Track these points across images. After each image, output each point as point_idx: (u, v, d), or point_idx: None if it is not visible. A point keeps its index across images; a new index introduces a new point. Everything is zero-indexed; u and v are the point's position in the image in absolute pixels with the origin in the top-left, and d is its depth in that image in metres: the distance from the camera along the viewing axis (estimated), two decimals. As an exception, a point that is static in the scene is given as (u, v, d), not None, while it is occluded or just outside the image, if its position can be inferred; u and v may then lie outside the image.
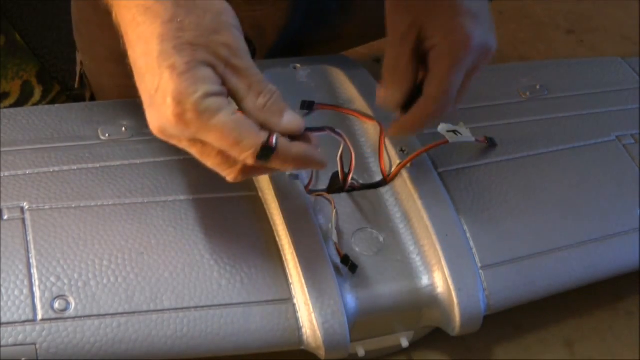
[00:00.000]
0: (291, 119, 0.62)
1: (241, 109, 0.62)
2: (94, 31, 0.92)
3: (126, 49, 0.62)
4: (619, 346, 0.80)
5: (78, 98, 1.20)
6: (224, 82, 0.61)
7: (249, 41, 1.02)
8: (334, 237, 0.73)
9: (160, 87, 0.59)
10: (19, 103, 1.19)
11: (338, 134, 0.70)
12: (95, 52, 0.94)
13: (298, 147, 0.63)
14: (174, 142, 0.62)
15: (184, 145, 0.62)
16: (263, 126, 0.62)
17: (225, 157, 0.62)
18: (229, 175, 0.63)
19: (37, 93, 1.20)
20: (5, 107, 1.14)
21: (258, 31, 0.97)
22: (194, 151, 0.62)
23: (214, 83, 0.59)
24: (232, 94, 0.61)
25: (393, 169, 0.78)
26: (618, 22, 1.09)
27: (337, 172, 0.78)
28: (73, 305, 0.66)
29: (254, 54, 1.00)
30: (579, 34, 1.07)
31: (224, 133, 0.59)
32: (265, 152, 0.60)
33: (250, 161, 0.61)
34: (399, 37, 0.71)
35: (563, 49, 1.03)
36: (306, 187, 0.75)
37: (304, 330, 0.69)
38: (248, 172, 0.63)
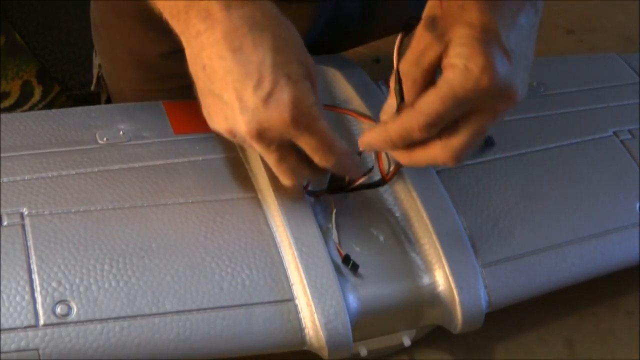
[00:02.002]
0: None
1: None
2: (114, 35, 0.92)
3: (203, 58, 0.66)
4: (619, 346, 0.80)
5: (78, 98, 1.20)
6: None
7: None
8: (335, 237, 0.73)
9: (276, 93, 0.64)
10: (18, 103, 1.19)
11: None
12: (115, 56, 0.94)
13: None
14: (263, 145, 0.67)
15: (271, 148, 0.67)
16: None
17: (298, 166, 0.69)
18: (294, 180, 0.70)
19: (37, 93, 1.20)
20: (5, 107, 1.15)
21: None
22: (275, 156, 0.68)
23: (314, 94, 0.67)
24: None
25: (392, 169, 0.78)
26: (618, 22, 1.10)
27: (337, 172, 0.78)
28: (75, 310, 0.66)
29: None
30: (579, 34, 1.07)
31: (324, 135, 0.67)
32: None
33: (330, 164, 0.68)
34: (420, 48, 0.66)
35: (563, 49, 1.04)
36: (306, 187, 0.75)
37: (306, 330, 0.69)
38: (315, 176, 0.72)
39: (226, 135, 0.68)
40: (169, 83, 0.91)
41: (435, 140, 0.66)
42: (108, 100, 1.00)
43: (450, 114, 0.64)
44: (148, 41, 0.88)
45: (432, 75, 0.66)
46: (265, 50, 0.65)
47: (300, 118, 0.65)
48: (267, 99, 0.64)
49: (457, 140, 0.66)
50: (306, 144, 0.67)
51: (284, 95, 0.64)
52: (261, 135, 0.66)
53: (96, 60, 1.01)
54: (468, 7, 0.65)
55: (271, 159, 0.69)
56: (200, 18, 0.65)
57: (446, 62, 0.64)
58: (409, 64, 0.67)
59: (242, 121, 0.65)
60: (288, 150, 0.68)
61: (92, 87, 1.02)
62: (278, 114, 0.64)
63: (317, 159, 0.68)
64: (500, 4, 0.65)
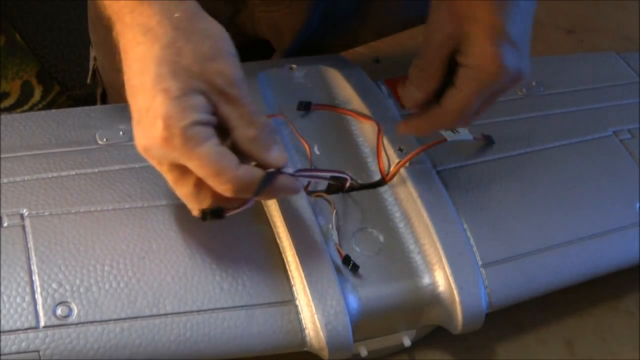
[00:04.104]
0: (277, 155, 0.64)
1: (231, 137, 0.63)
2: (108, 27, 0.92)
3: (121, 64, 0.63)
4: (619, 346, 0.80)
5: (78, 98, 1.20)
6: (215, 110, 0.62)
7: (266, 41, 1.03)
8: (335, 238, 0.73)
9: (152, 108, 0.60)
10: (19, 103, 1.19)
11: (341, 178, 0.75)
12: (109, 48, 0.94)
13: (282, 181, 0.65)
14: (154, 163, 0.63)
15: (163, 168, 0.63)
16: (249, 157, 0.63)
17: (198, 190, 0.64)
18: (194, 209, 0.66)
19: (37, 93, 1.20)
20: (5, 107, 1.15)
21: (275, 32, 0.98)
22: (170, 177, 0.64)
23: (204, 112, 0.61)
24: (223, 122, 0.62)
25: (392, 169, 0.78)
26: (618, 22, 1.09)
27: (336, 172, 0.78)
28: (75, 311, 0.66)
29: (271, 55, 1.01)
30: (579, 34, 1.07)
31: (206, 162, 0.61)
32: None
33: (228, 193, 0.62)
34: (435, 44, 0.71)
35: (563, 49, 1.04)
36: (305, 188, 0.75)
37: (306, 331, 0.69)
38: (213, 214, 0.66)
39: None
40: None
41: None
42: (103, 94, 1.00)
43: (475, 107, 0.71)
44: None
45: (447, 66, 0.71)
46: (151, 60, 0.61)
47: (172, 139, 0.60)
48: (144, 115, 0.61)
49: (475, 115, 0.73)
50: (191, 167, 0.61)
51: (157, 112, 0.60)
52: (147, 152, 0.62)
53: (92, 53, 1.01)
54: (475, 5, 0.69)
55: (168, 180, 0.65)
56: (117, 23, 0.64)
57: (462, 60, 0.69)
58: (429, 56, 0.71)
59: (135, 134, 0.62)
60: (186, 172, 0.63)
61: (88, 80, 1.02)
62: (152, 132, 0.60)
63: (210, 184, 0.62)
64: None
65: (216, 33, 0.62)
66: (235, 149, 0.63)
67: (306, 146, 0.78)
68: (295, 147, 0.79)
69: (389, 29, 0.99)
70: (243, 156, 0.63)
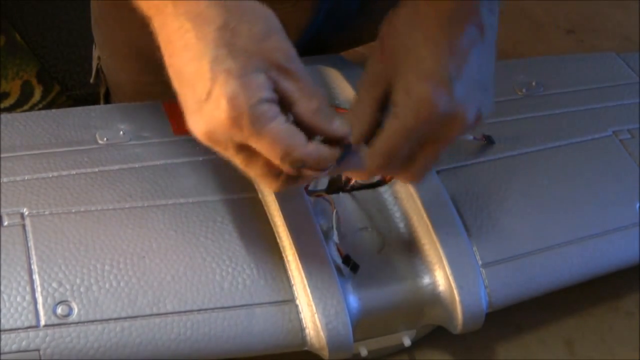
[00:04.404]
0: (340, 125, 0.62)
1: (292, 112, 0.61)
2: (113, 27, 0.92)
3: (166, 58, 0.62)
4: (619, 346, 0.81)
5: (78, 98, 1.20)
6: (276, 87, 0.60)
7: None
8: (335, 238, 0.73)
9: (214, 91, 0.59)
10: (19, 103, 1.19)
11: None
12: (114, 47, 0.94)
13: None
14: (219, 148, 0.62)
15: (229, 152, 0.62)
16: (313, 130, 0.61)
17: (271, 168, 0.62)
18: (272, 185, 0.64)
19: (37, 93, 1.20)
20: (5, 107, 1.14)
21: None
22: (239, 159, 0.62)
23: (268, 89, 0.59)
24: (283, 98, 0.61)
25: (392, 169, 0.78)
26: (618, 22, 1.10)
27: (336, 172, 0.78)
28: (76, 310, 0.66)
29: None
30: (579, 34, 1.07)
31: (276, 141, 0.59)
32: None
33: (295, 172, 0.61)
34: (367, 83, 0.69)
35: (563, 49, 1.04)
36: (306, 187, 0.75)
37: (307, 331, 0.69)
38: (291, 182, 0.63)
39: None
40: (167, 75, 0.91)
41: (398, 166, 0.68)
42: (107, 93, 1.00)
43: (402, 148, 0.66)
44: (147, 33, 0.88)
45: (380, 108, 0.68)
46: (206, 44, 0.59)
47: (240, 119, 0.58)
48: (207, 98, 0.59)
49: (414, 167, 0.68)
50: (260, 148, 0.60)
51: (221, 93, 0.58)
52: (211, 137, 0.61)
53: (95, 53, 1.01)
54: (404, 43, 0.66)
55: (237, 163, 0.63)
56: (157, 16, 0.63)
57: (392, 98, 0.66)
58: (359, 99, 0.69)
59: (192, 124, 0.61)
60: (254, 152, 0.61)
61: (92, 80, 1.02)
62: (217, 114, 0.59)
63: (278, 164, 0.61)
64: (436, 33, 0.66)
65: (265, 11, 0.61)
66: (298, 125, 0.61)
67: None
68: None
69: None
70: (306, 131, 0.61)
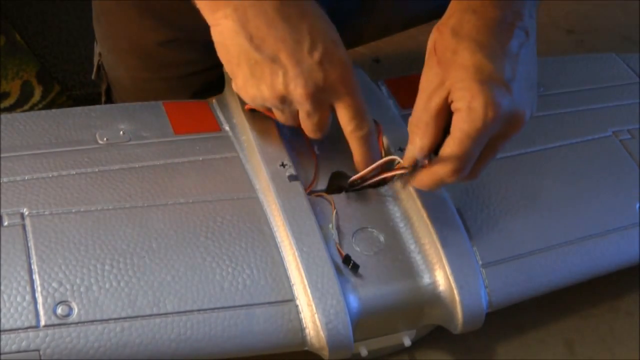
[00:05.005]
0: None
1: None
2: (115, 23, 0.92)
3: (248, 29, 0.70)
4: (619, 346, 0.81)
5: (78, 98, 1.19)
6: None
7: None
8: (335, 238, 0.73)
9: (329, 53, 0.70)
10: (19, 103, 1.19)
11: None
12: (115, 43, 0.95)
13: None
14: (314, 105, 0.71)
15: (322, 107, 0.72)
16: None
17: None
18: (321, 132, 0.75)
19: (37, 93, 1.19)
20: (5, 107, 1.14)
21: None
22: (318, 115, 0.73)
23: None
24: None
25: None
26: (618, 22, 1.10)
27: (336, 172, 0.78)
28: (76, 310, 0.66)
29: None
30: (579, 34, 1.07)
31: (362, 102, 0.73)
32: None
33: (360, 136, 0.74)
34: (424, 96, 0.70)
35: (563, 49, 1.04)
36: (307, 188, 0.75)
37: (307, 331, 0.69)
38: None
39: (272, 101, 0.71)
40: (166, 72, 0.91)
41: None
42: (108, 90, 1.00)
43: (472, 154, 0.69)
44: (146, 29, 0.89)
45: (443, 117, 0.69)
46: (313, 17, 0.70)
47: (352, 77, 0.71)
48: (323, 59, 0.69)
49: (478, 165, 0.71)
50: (347, 108, 0.72)
51: (338, 56, 0.70)
52: (315, 95, 0.70)
53: (96, 49, 1.01)
54: (459, 50, 0.69)
55: (314, 119, 0.73)
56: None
57: (453, 106, 0.68)
58: (419, 111, 0.70)
59: (299, 83, 0.69)
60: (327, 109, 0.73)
61: (93, 76, 1.02)
62: (335, 73, 0.70)
63: (352, 127, 0.73)
64: (488, 39, 0.69)
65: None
66: None
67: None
68: (297, 147, 0.79)
69: (395, 27, 0.99)
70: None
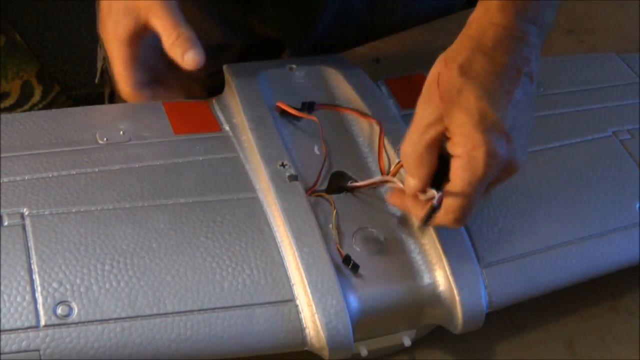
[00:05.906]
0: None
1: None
2: None
3: None
4: (619, 346, 0.80)
5: (78, 98, 1.20)
6: None
7: (277, 41, 1.04)
8: (335, 237, 0.73)
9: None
10: (19, 103, 1.19)
11: None
12: None
13: None
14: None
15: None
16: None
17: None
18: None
19: (37, 93, 1.20)
20: (5, 107, 1.15)
21: (287, 31, 0.98)
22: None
23: None
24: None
25: (392, 168, 0.78)
26: (618, 22, 1.10)
27: (337, 172, 0.78)
28: (76, 310, 0.66)
29: (282, 53, 1.01)
30: (579, 34, 1.07)
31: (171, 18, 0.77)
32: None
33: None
34: (422, 126, 0.69)
35: (563, 49, 1.04)
36: (308, 189, 0.75)
37: (307, 331, 0.69)
38: None
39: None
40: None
41: None
42: (112, 94, 1.00)
43: (474, 200, 0.69)
44: None
45: (437, 150, 0.69)
46: None
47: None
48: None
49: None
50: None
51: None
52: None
53: (100, 53, 1.01)
54: (465, 91, 0.68)
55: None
56: None
57: (452, 150, 0.68)
58: (414, 142, 0.70)
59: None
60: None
61: (96, 80, 1.02)
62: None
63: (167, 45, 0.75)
64: (495, 86, 0.68)
65: None
66: None
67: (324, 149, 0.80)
68: (298, 147, 0.79)
69: (400, 27, 0.99)
70: None
